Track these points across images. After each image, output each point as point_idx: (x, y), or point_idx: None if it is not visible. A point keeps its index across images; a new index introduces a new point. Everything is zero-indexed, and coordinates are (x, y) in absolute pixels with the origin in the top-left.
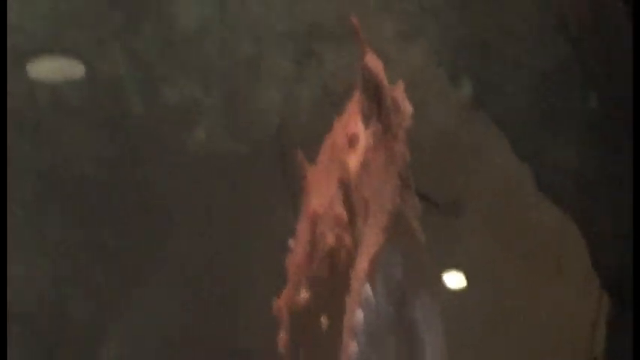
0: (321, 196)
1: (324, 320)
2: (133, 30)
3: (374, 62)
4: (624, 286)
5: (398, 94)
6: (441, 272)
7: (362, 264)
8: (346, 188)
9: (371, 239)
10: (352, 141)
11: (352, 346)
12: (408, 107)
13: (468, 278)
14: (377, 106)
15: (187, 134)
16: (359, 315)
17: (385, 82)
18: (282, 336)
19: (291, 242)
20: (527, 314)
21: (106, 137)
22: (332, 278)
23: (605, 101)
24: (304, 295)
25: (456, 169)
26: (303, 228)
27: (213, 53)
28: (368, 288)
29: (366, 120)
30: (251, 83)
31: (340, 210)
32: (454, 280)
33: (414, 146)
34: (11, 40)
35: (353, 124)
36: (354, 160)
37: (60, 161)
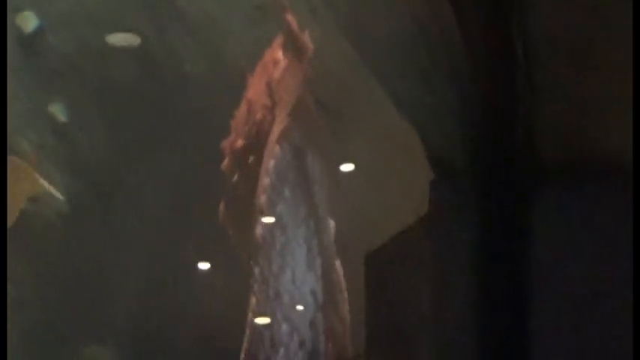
0: (255, 91)
1: (251, 158)
2: None
3: (291, 19)
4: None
5: (304, 37)
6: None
7: (275, 132)
8: (269, 88)
9: (282, 117)
10: (275, 62)
11: (266, 180)
12: (310, 45)
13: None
14: (291, 43)
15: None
16: (271, 163)
17: (297, 29)
18: (226, 162)
19: (235, 112)
20: (389, 183)
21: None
22: (257, 137)
23: None
24: (240, 142)
25: (345, 90)
26: (243, 107)
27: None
28: (277, 147)
29: (285, 50)
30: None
31: (265, 99)
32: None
33: (319, 77)
34: None
35: (277, 52)
36: (275, 73)
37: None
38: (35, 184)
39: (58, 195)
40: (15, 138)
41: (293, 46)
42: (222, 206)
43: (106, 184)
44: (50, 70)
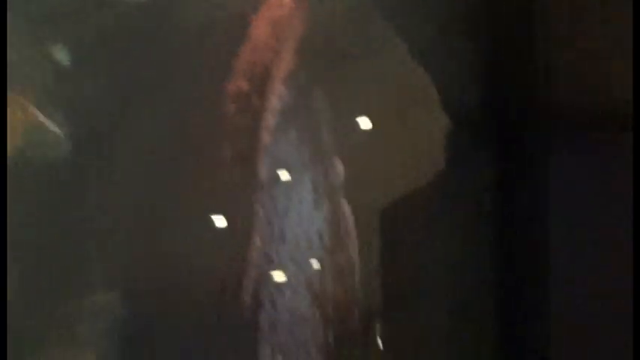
0: (259, 32)
1: (255, 100)
2: None
3: None
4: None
5: None
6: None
7: (280, 73)
8: (274, 27)
9: (287, 58)
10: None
11: (270, 121)
12: None
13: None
14: None
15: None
16: (276, 103)
17: None
18: (230, 105)
19: (240, 52)
20: (403, 133)
21: None
22: (262, 79)
23: None
24: (244, 84)
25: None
26: (246, 48)
27: None
28: (282, 87)
29: None
30: None
31: (270, 39)
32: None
33: (329, 19)
34: None
35: None
36: (280, 12)
37: None
38: (32, 118)
39: (57, 130)
40: (15, 79)
41: None
42: (225, 149)
43: (107, 128)
44: (51, 12)
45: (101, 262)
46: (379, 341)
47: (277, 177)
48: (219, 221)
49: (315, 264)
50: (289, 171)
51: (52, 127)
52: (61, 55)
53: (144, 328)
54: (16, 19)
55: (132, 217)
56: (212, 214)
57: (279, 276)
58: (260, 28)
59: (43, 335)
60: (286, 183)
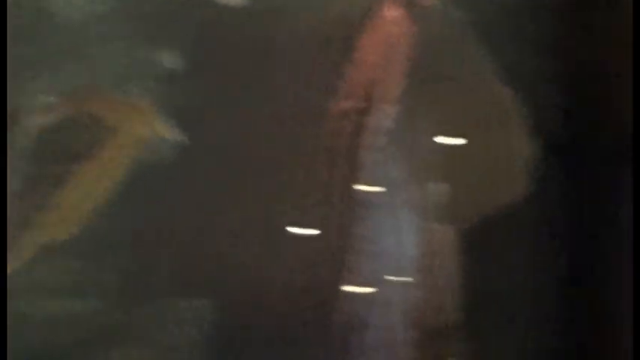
0: (365, 51)
1: (357, 120)
2: None
3: None
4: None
5: None
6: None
7: (384, 93)
8: (381, 47)
9: (392, 78)
10: (390, 19)
11: (370, 142)
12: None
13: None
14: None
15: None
16: (377, 124)
17: None
18: (333, 124)
19: (344, 72)
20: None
21: None
22: (365, 99)
23: None
24: (348, 104)
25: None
26: (352, 67)
27: None
28: (384, 108)
29: (398, 7)
30: None
31: (377, 59)
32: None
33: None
34: None
35: (391, 9)
36: (387, 31)
37: None
38: (157, 128)
39: (178, 137)
40: (126, 86)
41: (407, 3)
42: (325, 171)
43: (205, 136)
44: (155, 19)
45: (195, 269)
46: None
47: (372, 200)
48: (315, 239)
49: (408, 283)
50: (385, 194)
51: (175, 135)
52: (166, 60)
53: (230, 342)
54: (129, 28)
55: (228, 231)
56: (307, 232)
57: (371, 295)
58: (366, 49)
59: (129, 336)
60: (381, 206)
